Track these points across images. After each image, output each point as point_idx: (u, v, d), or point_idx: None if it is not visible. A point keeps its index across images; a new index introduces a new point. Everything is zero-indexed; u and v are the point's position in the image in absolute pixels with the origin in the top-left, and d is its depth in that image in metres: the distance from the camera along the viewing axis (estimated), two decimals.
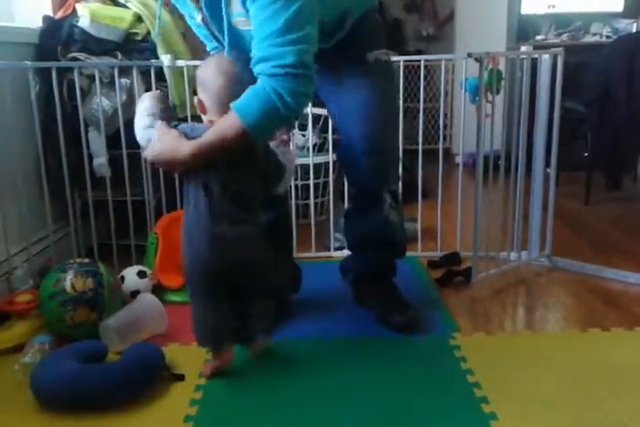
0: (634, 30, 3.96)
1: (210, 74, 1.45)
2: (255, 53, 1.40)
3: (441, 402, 1.39)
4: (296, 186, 2.60)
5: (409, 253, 2.25)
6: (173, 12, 2.48)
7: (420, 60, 2.34)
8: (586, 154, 3.06)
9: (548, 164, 2.23)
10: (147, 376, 1.45)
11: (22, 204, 2.01)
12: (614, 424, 1.29)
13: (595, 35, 4.10)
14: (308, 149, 2.59)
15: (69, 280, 1.67)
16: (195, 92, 2.40)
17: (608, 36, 4.02)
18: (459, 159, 2.63)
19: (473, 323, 1.79)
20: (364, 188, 1.74)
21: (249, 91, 1.40)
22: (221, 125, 1.41)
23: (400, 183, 2.19)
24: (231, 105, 1.40)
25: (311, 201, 2.59)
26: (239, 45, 1.51)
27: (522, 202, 2.21)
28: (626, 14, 4.09)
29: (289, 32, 1.36)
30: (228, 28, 1.49)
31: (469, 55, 2.03)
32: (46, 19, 2.30)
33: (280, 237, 1.84)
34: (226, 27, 1.49)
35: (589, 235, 2.63)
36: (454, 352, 1.60)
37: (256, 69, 1.40)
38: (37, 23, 2.29)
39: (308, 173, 2.63)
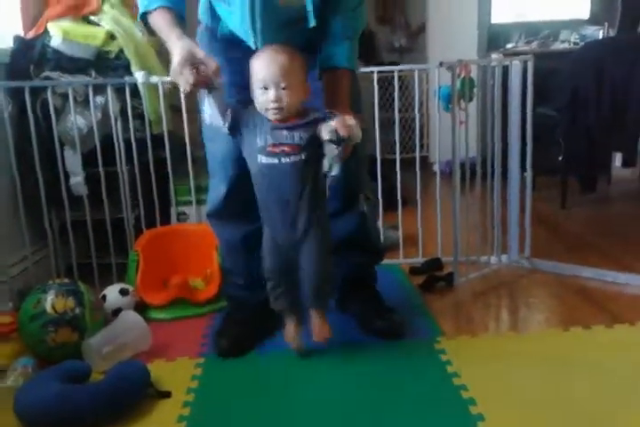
0: (600, 36, 4.05)
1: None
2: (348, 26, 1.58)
3: (428, 405, 1.39)
4: None
5: (391, 261, 2.28)
6: (146, 30, 2.50)
7: (393, 71, 2.37)
8: (560, 158, 3.11)
9: (524, 168, 2.26)
10: (132, 394, 1.44)
11: None
12: (602, 422, 1.30)
13: (563, 42, 4.18)
14: None
15: (50, 301, 1.65)
16: (172, 108, 2.44)
17: (576, 43, 4.10)
18: (436, 167, 2.66)
19: (457, 326, 1.80)
20: (339, 192, 1.75)
21: (341, 48, 1.57)
22: (342, 83, 1.57)
23: (379, 191, 2.21)
24: (339, 65, 1.57)
25: None
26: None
27: (500, 206, 2.23)
28: (592, 21, 4.18)
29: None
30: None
31: (441, 64, 2.06)
32: (17, 38, 2.29)
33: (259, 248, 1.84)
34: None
35: (567, 237, 2.66)
36: (440, 356, 1.61)
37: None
38: (8, 43, 2.28)
39: None
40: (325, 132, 1.43)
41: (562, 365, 1.54)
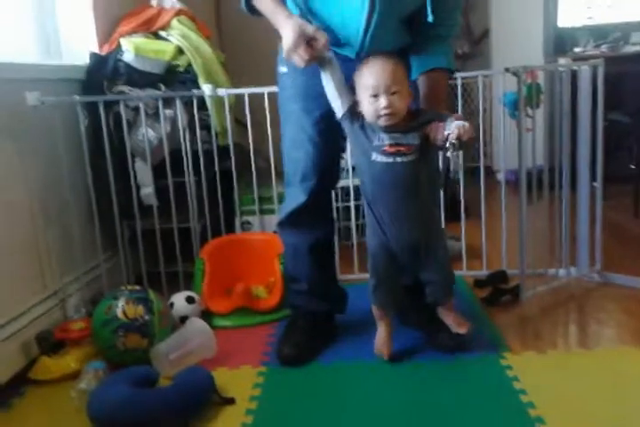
0: None
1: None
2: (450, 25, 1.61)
3: (495, 422, 1.37)
4: (337, 208, 2.61)
5: (455, 273, 2.24)
6: (213, 44, 2.56)
7: (456, 78, 2.34)
8: (632, 166, 2.99)
9: (593, 177, 2.19)
10: (199, 400, 1.47)
11: (74, 234, 2.08)
12: None
13: (635, 44, 4.03)
14: (348, 170, 2.61)
15: (121, 307, 1.71)
16: (236, 120, 2.49)
17: None
18: (500, 176, 2.60)
19: (523, 342, 1.76)
20: None
21: (441, 49, 1.62)
22: (442, 84, 1.63)
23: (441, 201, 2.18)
24: (439, 66, 1.61)
25: (352, 222, 2.60)
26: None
27: (568, 217, 2.17)
28: None
29: None
30: None
31: (506, 70, 2.02)
32: (93, 55, 2.39)
33: (326, 257, 1.86)
34: None
35: None
36: (506, 372, 1.58)
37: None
38: (84, 59, 2.38)
39: (348, 194, 2.64)
40: (449, 135, 1.44)
41: (633, 386, 1.48)
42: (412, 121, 1.52)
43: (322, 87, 1.59)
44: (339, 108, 1.57)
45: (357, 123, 1.55)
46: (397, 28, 1.60)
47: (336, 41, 1.60)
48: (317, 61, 1.53)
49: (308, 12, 1.59)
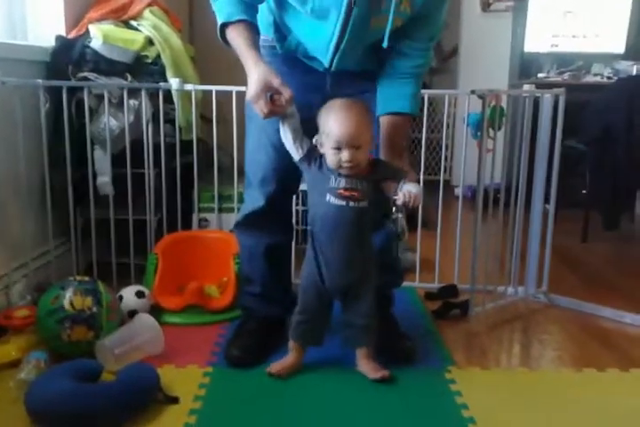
0: (634, 73, 4.03)
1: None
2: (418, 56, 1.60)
3: None
4: (296, 211, 2.62)
5: (406, 284, 2.27)
6: (184, 37, 2.53)
7: (424, 94, 2.37)
8: (584, 192, 3.10)
9: (547, 200, 2.26)
10: (142, 398, 1.45)
11: (25, 219, 2.02)
12: None
13: (596, 75, 4.18)
14: None
15: (68, 298, 1.67)
16: (202, 116, 2.47)
17: (609, 77, 4.09)
18: (458, 191, 2.65)
19: (468, 357, 1.79)
20: None
21: (409, 90, 1.61)
22: (402, 131, 1.63)
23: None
24: (404, 111, 1.61)
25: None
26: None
27: (520, 237, 2.23)
28: (627, 56, 4.17)
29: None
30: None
31: (473, 92, 2.07)
32: (59, 38, 2.33)
33: (281, 261, 1.87)
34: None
35: (586, 273, 2.64)
36: (450, 386, 1.60)
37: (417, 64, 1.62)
38: (50, 42, 2.33)
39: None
40: (397, 201, 1.51)
41: (572, 406, 1.52)
42: (371, 173, 1.54)
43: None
44: (295, 153, 1.57)
45: (315, 165, 1.56)
46: (367, 52, 1.61)
47: (306, 53, 1.62)
48: (279, 115, 1.53)
49: (282, 25, 1.60)
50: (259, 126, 1.68)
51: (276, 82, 1.47)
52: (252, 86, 1.47)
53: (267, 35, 1.64)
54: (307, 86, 1.64)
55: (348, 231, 1.54)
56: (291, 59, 1.65)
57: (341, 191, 1.52)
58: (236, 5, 1.52)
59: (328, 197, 1.53)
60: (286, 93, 1.47)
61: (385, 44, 1.52)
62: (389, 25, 1.50)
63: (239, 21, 1.52)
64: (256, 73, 1.47)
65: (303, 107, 1.58)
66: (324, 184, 1.54)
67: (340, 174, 1.52)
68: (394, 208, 1.54)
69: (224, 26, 1.53)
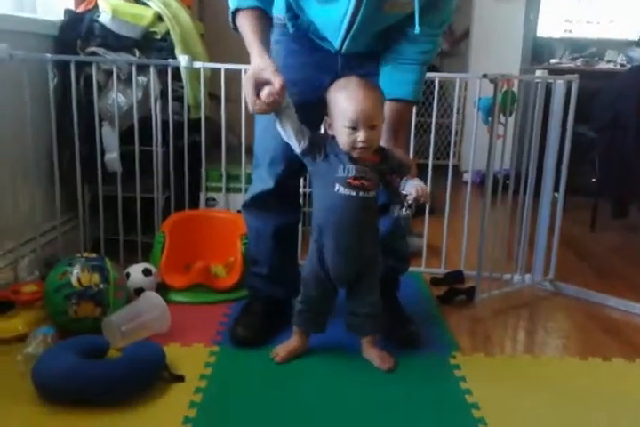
0: None
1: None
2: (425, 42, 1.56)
3: (439, 421, 1.39)
4: (304, 193, 2.61)
5: (413, 269, 2.27)
6: (193, 14, 2.50)
7: (434, 77, 2.35)
8: (593, 180, 3.08)
9: (556, 187, 2.24)
10: (147, 375, 1.45)
11: (33, 194, 2.02)
12: None
13: (609, 62, 4.13)
14: None
15: (76, 274, 1.67)
16: (210, 94, 2.44)
17: (622, 65, 4.05)
18: (466, 176, 2.64)
19: (473, 343, 1.79)
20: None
21: (412, 76, 1.58)
22: (404, 118, 1.61)
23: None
24: (406, 98, 1.58)
25: None
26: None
27: (528, 224, 2.22)
28: None
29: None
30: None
31: (484, 76, 2.05)
32: (67, 12, 2.31)
33: (289, 242, 1.86)
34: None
35: (593, 261, 2.63)
36: (454, 371, 1.60)
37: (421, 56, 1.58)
38: (59, 16, 2.30)
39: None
40: (408, 197, 1.48)
41: (575, 395, 1.52)
42: (380, 161, 1.51)
43: (298, 74, 1.57)
44: (296, 146, 1.52)
45: (320, 156, 1.51)
46: (379, 36, 1.58)
47: (317, 34, 1.60)
48: (273, 110, 1.47)
49: (295, 5, 1.56)
50: None
51: (267, 73, 1.43)
52: (244, 81, 1.46)
53: (279, 13, 1.62)
54: (317, 65, 1.62)
55: (357, 222, 1.51)
56: (301, 37, 1.62)
57: (351, 181, 1.48)
58: None
59: (337, 188, 1.48)
60: (277, 83, 1.42)
61: (417, 30, 1.47)
62: (417, 8, 1.45)
63: (250, 8, 1.51)
64: (251, 68, 1.47)
65: (312, 86, 1.56)
66: (332, 174, 1.49)
67: (350, 160, 1.48)
68: (404, 205, 1.49)
69: (236, 11, 1.52)
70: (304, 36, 1.62)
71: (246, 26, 1.53)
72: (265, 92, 1.43)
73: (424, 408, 1.44)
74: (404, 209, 1.49)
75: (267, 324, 1.76)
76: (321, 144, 1.51)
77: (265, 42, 1.53)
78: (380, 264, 1.61)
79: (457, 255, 2.32)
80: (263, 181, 1.72)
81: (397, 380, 1.56)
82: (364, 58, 1.62)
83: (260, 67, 1.45)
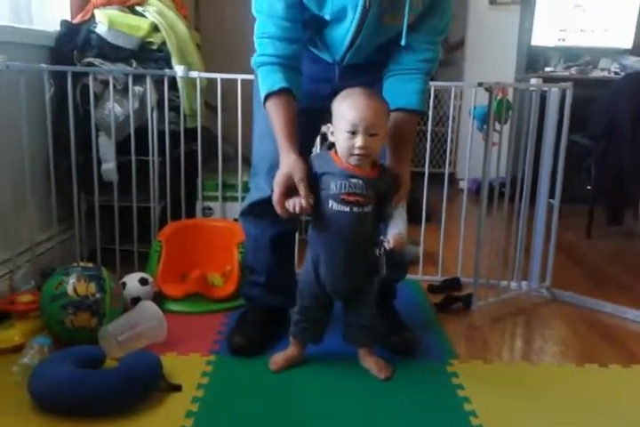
0: None
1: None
2: (425, 50, 1.58)
3: None
4: None
5: (410, 277, 2.28)
6: (189, 24, 2.51)
7: (430, 86, 2.35)
8: (589, 187, 3.09)
9: (551, 195, 2.25)
10: (144, 385, 1.45)
11: (30, 204, 2.02)
12: None
13: (603, 70, 4.16)
14: None
15: (72, 284, 1.67)
16: (206, 104, 2.45)
17: (616, 73, 4.07)
18: (462, 184, 2.64)
19: (471, 350, 1.79)
20: None
21: (416, 86, 1.58)
22: (409, 128, 1.61)
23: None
24: (410, 107, 1.57)
25: None
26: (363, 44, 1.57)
27: (524, 231, 2.22)
28: (635, 52, 4.15)
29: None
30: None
31: (480, 84, 2.06)
32: (64, 23, 2.32)
33: (286, 251, 1.86)
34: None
35: (589, 268, 2.64)
36: (451, 379, 1.60)
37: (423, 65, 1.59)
38: (55, 27, 2.31)
39: None
40: (384, 243, 1.46)
41: (574, 401, 1.52)
42: (376, 177, 1.49)
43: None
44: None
45: (317, 185, 1.49)
46: (378, 47, 1.61)
47: (316, 46, 1.64)
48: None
49: (308, 25, 1.58)
50: (267, 115, 1.67)
51: (297, 175, 1.47)
52: (277, 177, 1.50)
53: None
54: (315, 76, 1.64)
55: (352, 237, 1.49)
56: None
57: (345, 197, 1.45)
58: (277, 72, 1.52)
59: (330, 204, 1.47)
60: (304, 199, 1.45)
61: (403, 42, 1.51)
62: (405, 22, 1.49)
63: (281, 90, 1.51)
64: (282, 165, 1.51)
65: (312, 96, 1.58)
66: (325, 191, 1.48)
67: (344, 176, 1.46)
68: (380, 249, 1.46)
69: (267, 96, 1.54)
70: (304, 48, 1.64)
71: (277, 116, 1.53)
72: (291, 203, 1.47)
73: (422, 416, 1.43)
74: (381, 250, 1.46)
75: (264, 332, 1.76)
76: (316, 164, 1.50)
77: (294, 134, 1.54)
78: (378, 278, 1.59)
79: (454, 263, 2.32)
80: (260, 189, 1.72)
81: (395, 388, 1.55)
82: (363, 68, 1.64)
83: (289, 168, 1.48)
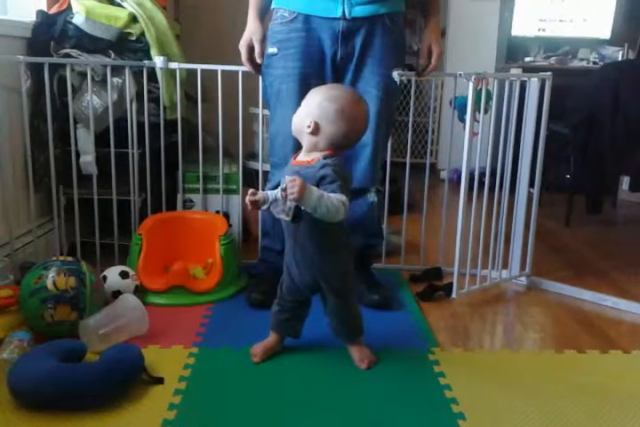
0: (620, 58, 4.05)
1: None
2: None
3: (418, 416, 1.40)
4: None
5: (391, 266, 2.30)
6: (169, 15, 2.48)
7: (411, 77, 2.35)
8: (568, 176, 3.12)
9: (531, 184, 2.27)
10: (126, 378, 1.44)
11: (7, 198, 1.99)
12: None
13: (582, 60, 4.19)
14: None
15: (51, 278, 1.65)
16: (186, 95, 2.43)
17: (595, 62, 4.11)
18: (444, 174, 2.65)
19: (452, 339, 1.81)
20: (354, 180, 1.83)
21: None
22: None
23: (386, 194, 2.23)
24: None
25: None
26: None
27: (505, 220, 2.24)
28: (613, 42, 4.19)
29: None
30: None
31: (460, 75, 2.06)
32: (40, 13, 2.28)
33: None
34: None
35: (568, 256, 2.67)
36: (433, 367, 1.62)
37: None
38: (31, 17, 2.27)
39: None
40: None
41: (553, 387, 1.54)
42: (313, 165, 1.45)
43: (316, 67, 1.81)
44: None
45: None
46: None
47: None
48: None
49: None
50: (285, 103, 1.82)
51: (255, 38, 1.87)
52: (241, 41, 1.89)
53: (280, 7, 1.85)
54: (314, 54, 1.81)
55: (295, 231, 1.51)
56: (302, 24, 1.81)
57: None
58: None
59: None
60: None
61: None
62: None
63: None
64: (245, 32, 1.90)
65: (313, 73, 1.79)
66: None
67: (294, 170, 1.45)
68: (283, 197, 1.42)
69: None
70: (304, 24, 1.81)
71: None
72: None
73: (403, 404, 1.44)
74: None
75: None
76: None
77: (260, 5, 1.89)
78: (352, 279, 1.59)
79: (435, 252, 2.34)
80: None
81: (377, 376, 1.56)
82: (366, 21, 1.80)
83: (251, 30, 1.88)
